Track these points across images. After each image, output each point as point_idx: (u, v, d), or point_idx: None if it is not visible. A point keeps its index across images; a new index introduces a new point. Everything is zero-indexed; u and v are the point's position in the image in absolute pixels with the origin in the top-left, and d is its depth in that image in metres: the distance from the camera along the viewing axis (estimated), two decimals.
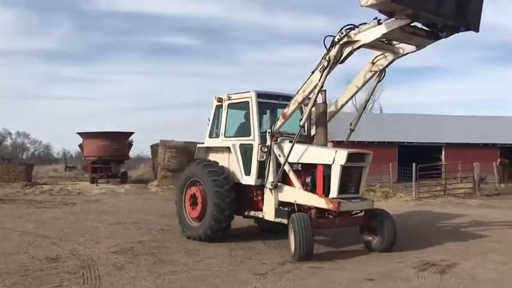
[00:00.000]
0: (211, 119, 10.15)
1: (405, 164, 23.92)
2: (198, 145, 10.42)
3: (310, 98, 8.34)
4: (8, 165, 28.71)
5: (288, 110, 8.64)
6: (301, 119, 8.50)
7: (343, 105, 9.20)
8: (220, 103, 9.90)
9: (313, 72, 8.12)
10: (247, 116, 9.47)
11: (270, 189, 8.70)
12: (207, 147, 10.15)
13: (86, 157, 29.33)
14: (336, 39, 7.70)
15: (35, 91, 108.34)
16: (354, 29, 7.53)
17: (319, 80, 7.97)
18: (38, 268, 7.03)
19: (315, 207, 8.08)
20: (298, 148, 8.51)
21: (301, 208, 8.32)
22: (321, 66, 7.95)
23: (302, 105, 8.82)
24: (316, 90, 8.05)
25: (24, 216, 13.46)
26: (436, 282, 6.51)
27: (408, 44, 7.90)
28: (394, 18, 6.91)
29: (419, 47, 7.81)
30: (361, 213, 8.55)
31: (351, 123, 9.39)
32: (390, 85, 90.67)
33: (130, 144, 31.79)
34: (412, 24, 7.01)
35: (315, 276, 6.71)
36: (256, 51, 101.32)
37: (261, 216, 9.07)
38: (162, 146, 25.76)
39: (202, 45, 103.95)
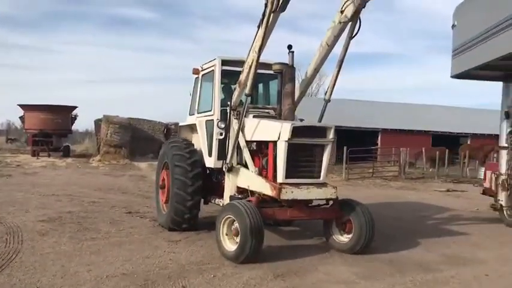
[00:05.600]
0: (192, 94, 9.15)
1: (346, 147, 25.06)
2: (180, 123, 9.56)
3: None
4: None
5: (242, 77, 7.27)
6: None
7: (316, 71, 7.43)
8: (197, 75, 8.86)
9: (259, 27, 6.75)
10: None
11: (226, 172, 7.61)
12: (189, 126, 9.09)
13: (27, 130, 29.04)
14: None
15: None
16: None
17: (259, 34, 6.62)
18: None
19: (264, 194, 6.82)
20: (253, 123, 7.34)
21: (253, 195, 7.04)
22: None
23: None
24: (256, 47, 6.65)
25: None
26: None
27: None
28: None
29: None
30: (328, 204, 7.17)
31: (325, 93, 7.76)
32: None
33: (74, 118, 31.60)
34: None
35: None
36: (215, 28, 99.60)
37: (221, 205, 7.82)
38: (105, 122, 25.95)
39: (159, 18, 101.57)
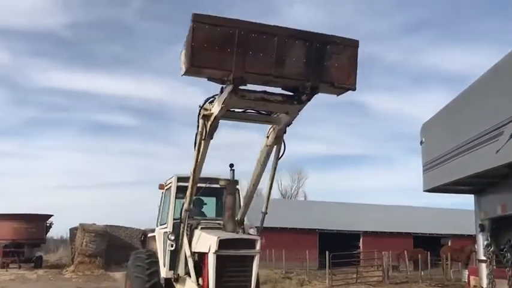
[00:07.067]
0: (158, 207, 9.79)
1: (328, 251, 24.63)
2: (149, 234, 10.14)
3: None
4: None
5: (188, 193, 7.54)
6: (184, 203, 7.56)
7: (255, 185, 7.79)
8: (162, 189, 9.60)
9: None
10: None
11: (174, 282, 7.85)
12: (155, 237, 9.47)
13: None
14: (198, 112, 6.79)
15: None
16: (213, 101, 6.49)
17: (194, 159, 7.04)
18: None
19: None
20: (197, 235, 7.73)
21: None
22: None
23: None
24: (192, 169, 7.08)
25: None
26: None
27: (270, 111, 6.71)
28: (225, 85, 5.73)
29: (289, 114, 6.46)
30: None
31: (263, 206, 8.05)
32: (316, 172, 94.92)
33: (49, 227, 30.72)
34: (261, 89, 5.76)
35: None
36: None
37: None
38: (80, 230, 25.32)
39: (140, 123, 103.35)
